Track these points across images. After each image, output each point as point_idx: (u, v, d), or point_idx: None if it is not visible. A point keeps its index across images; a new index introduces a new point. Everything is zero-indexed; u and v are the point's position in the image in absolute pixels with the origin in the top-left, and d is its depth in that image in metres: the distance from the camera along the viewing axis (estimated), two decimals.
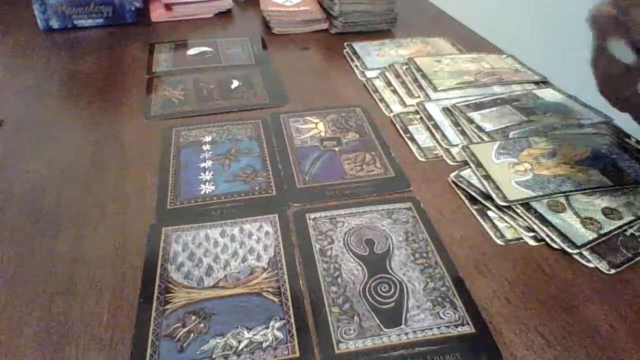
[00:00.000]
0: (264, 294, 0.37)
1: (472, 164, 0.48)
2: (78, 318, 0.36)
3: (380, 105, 0.62)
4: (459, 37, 0.78)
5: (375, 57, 0.72)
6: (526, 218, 0.43)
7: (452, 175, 0.49)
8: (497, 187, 0.45)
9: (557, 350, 0.34)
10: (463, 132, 0.55)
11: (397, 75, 0.66)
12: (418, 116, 0.59)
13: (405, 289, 0.38)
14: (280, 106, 0.62)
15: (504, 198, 0.44)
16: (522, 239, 0.42)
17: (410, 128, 0.57)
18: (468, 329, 0.35)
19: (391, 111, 0.60)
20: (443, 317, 0.36)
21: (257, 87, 0.66)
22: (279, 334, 0.35)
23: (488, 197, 0.45)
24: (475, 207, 0.46)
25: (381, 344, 0.34)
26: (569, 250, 0.40)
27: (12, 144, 0.55)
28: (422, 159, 0.52)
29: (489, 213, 0.45)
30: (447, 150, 0.53)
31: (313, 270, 0.39)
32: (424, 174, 0.50)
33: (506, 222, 0.44)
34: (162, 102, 0.62)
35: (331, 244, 0.42)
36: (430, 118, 0.57)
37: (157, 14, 0.86)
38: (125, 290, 0.38)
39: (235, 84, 0.66)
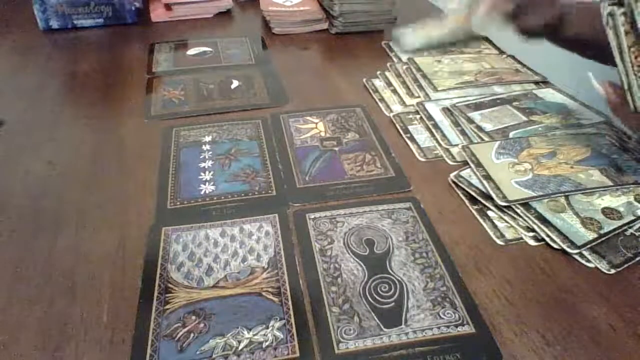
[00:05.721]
0: (264, 294, 0.37)
1: (472, 164, 0.48)
2: (78, 318, 0.36)
3: (380, 105, 0.62)
4: None
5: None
6: (526, 218, 0.43)
7: (452, 175, 0.49)
8: (497, 187, 0.45)
9: (557, 350, 0.34)
10: (463, 132, 0.55)
11: (398, 75, 0.66)
12: (418, 116, 0.59)
13: (405, 289, 0.38)
14: (280, 106, 0.62)
15: (504, 198, 0.44)
16: (522, 239, 0.42)
17: (410, 128, 0.57)
18: (468, 328, 0.35)
19: (391, 111, 0.60)
20: (443, 317, 0.36)
21: (257, 87, 0.66)
22: (279, 334, 0.35)
23: (488, 197, 0.45)
24: (475, 207, 0.46)
25: (381, 343, 0.34)
26: (569, 250, 0.40)
27: (12, 144, 0.55)
28: (422, 159, 0.52)
29: (489, 213, 0.45)
30: (447, 150, 0.53)
31: (313, 270, 0.39)
32: (424, 174, 0.50)
33: (506, 222, 0.44)
34: (162, 102, 0.62)
35: (331, 244, 0.42)
36: (430, 118, 0.57)
37: (157, 14, 0.86)
38: (125, 290, 0.38)
39: (235, 84, 0.66)
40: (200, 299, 0.37)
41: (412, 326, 0.35)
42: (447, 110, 0.58)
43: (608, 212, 0.43)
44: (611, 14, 0.40)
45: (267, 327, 0.35)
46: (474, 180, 0.47)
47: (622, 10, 0.39)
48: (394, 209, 0.45)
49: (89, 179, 0.49)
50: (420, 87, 0.63)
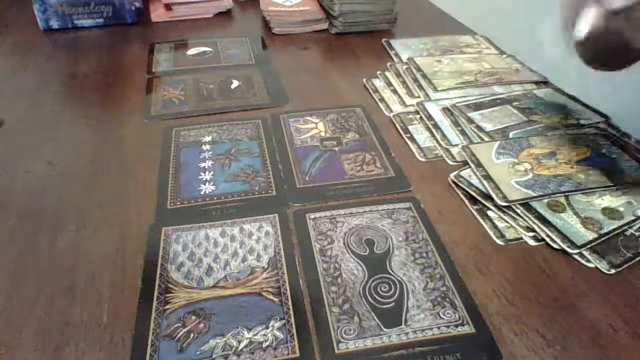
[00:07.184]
0: (264, 294, 0.37)
1: (472, 164, 0.48)
2: (78, 318, 0.36)
3: (380, 105, 0.62)
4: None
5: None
6: (526, 218, 0.43)
7: (452, 175, 0.49)
8: (497, 187, 0.45)
9: (557, 350, 0.34)
10: (463, 132, 0.55)
11: (398, 75, 0.66)
12: (418, 116, 0.59)
13: (405, 289, 0.38)
14: (280, 106, 0.62)
15: (504, 198, 0.44)
16: (522, 239, 0.42)
17: (410, 128, 0.57)
18: (468, 328, 0.35)
19: (391, 111, 0.60)
20: (443, 317, 0.36)
21: (257, 87, 0.66)
22: (279, 334, 0.35)
23: (488, 197, 0.45)
24: (475, 207, 0.46)
25: (381, 344, 0.34)
26: (569, 250, 0.40)
27: (12, 144, 0.55)
28: (422, 159, 0.52)
29: (489, 213, 0.45)
30: (447, 150, 0.53)
31: (313, 270, 0.39)
32: (424, 174, 0.50)
33: (506, 222, 0.44)
34: (162, 102, 0.62)
35: (331, 244, 0.42)
36: (430, 118, 0.57)
37: (157, 14, 0.86)
38: (125, 290, 0.38)
39: (235, 84, 0.66)
40: (200, 299, 0.37)
41: (412, 326, 0.35)
42: (447, 110, 0.58)
43: (608, 212, 0.43)
44: None
45: (267, 327, 0.35)
46: (474, 180, 0.47)
47: None
48: (394, 209, 0.45)
49: (89, 179, 0.49)
50: (420, 87, 0.63)
